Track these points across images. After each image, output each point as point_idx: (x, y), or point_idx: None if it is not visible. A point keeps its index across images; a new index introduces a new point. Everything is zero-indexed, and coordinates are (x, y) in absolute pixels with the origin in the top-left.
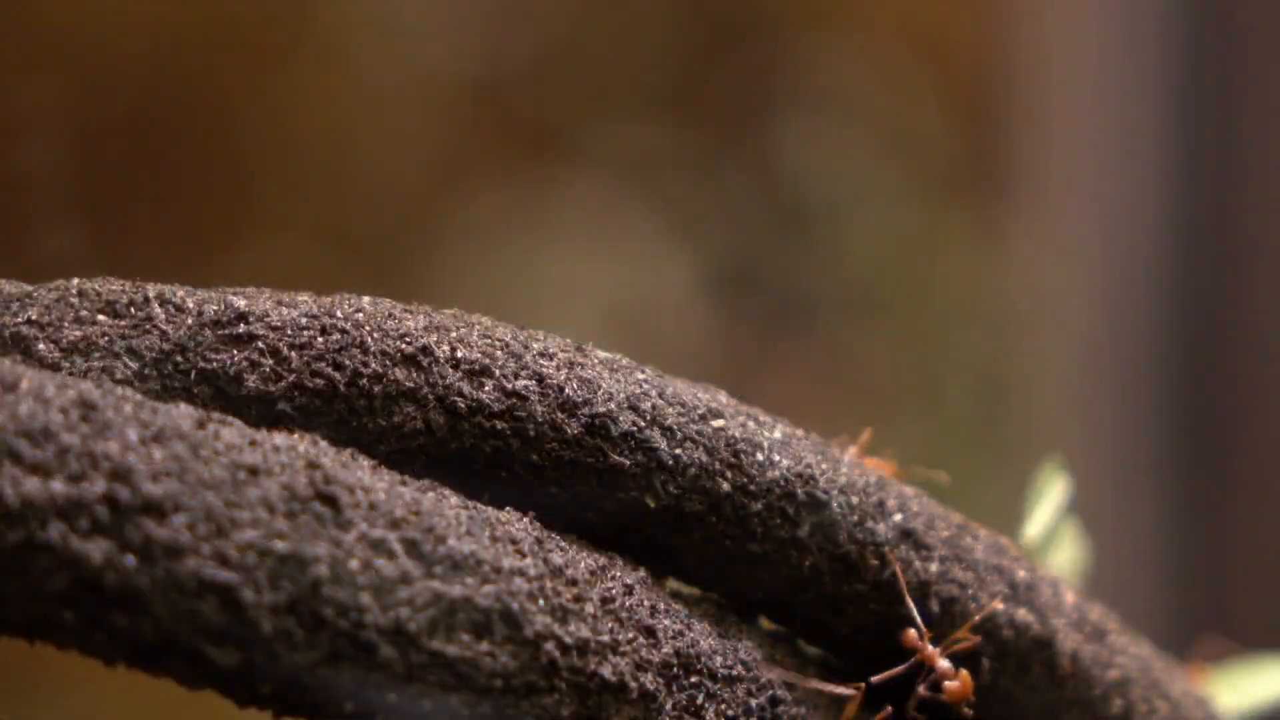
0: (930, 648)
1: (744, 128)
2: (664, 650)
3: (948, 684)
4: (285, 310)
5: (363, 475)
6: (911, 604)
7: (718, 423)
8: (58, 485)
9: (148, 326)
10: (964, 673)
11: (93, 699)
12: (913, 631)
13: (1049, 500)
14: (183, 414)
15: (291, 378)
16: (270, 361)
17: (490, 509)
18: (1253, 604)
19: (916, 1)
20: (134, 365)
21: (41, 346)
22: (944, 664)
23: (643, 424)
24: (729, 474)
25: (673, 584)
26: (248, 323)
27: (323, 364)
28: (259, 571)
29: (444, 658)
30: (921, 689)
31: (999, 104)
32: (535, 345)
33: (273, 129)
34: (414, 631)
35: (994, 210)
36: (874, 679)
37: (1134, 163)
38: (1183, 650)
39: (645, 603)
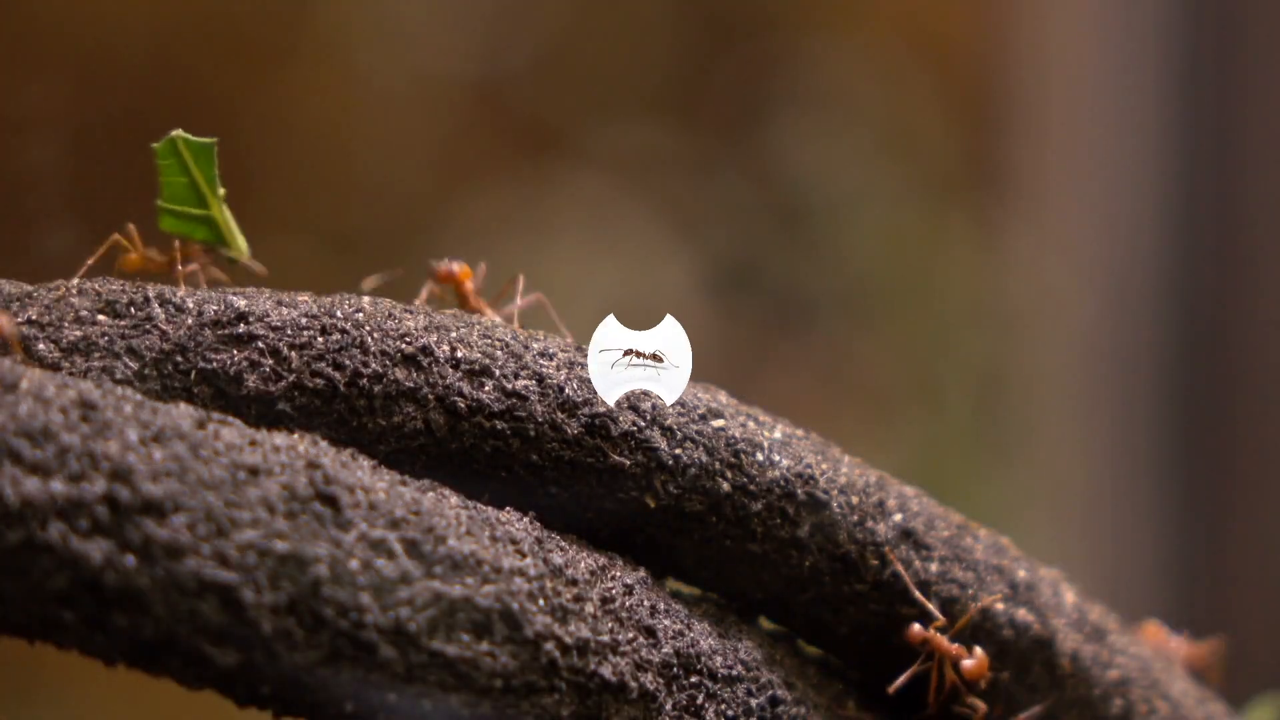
0: (939, 635)
1: (744, 128)
2: (664, 650)
3: (965, 663)
4: (285, 310)
5: (363, 475)
6: (921, 597)
7: (718, 423)
8: (58, 485)
9: (148, 326)
10: (978, 650)
11: (93, 699)
12: (917, 626)
13: None
14: (183, 414)
15: (291, 378)
16: (270, 361)
17: (490, 509)
18: (1253, 604)
19: (916, 1)
20: (134, 365)
21: (41, 346)
22: (956, 646)
23: (642, 424)
24: (728, 474)
25: (673, 584)
26: (248, 323)
27: (323, 364)
28: (259, 571)
29: (444, 658)
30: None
31: (999, 104)
32: (535, 345)
33: (273, 129)
34: (414, 631)
35: (994, 210)
36: (891, 689)
37: (1134, 162)
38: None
39: (645, 603)
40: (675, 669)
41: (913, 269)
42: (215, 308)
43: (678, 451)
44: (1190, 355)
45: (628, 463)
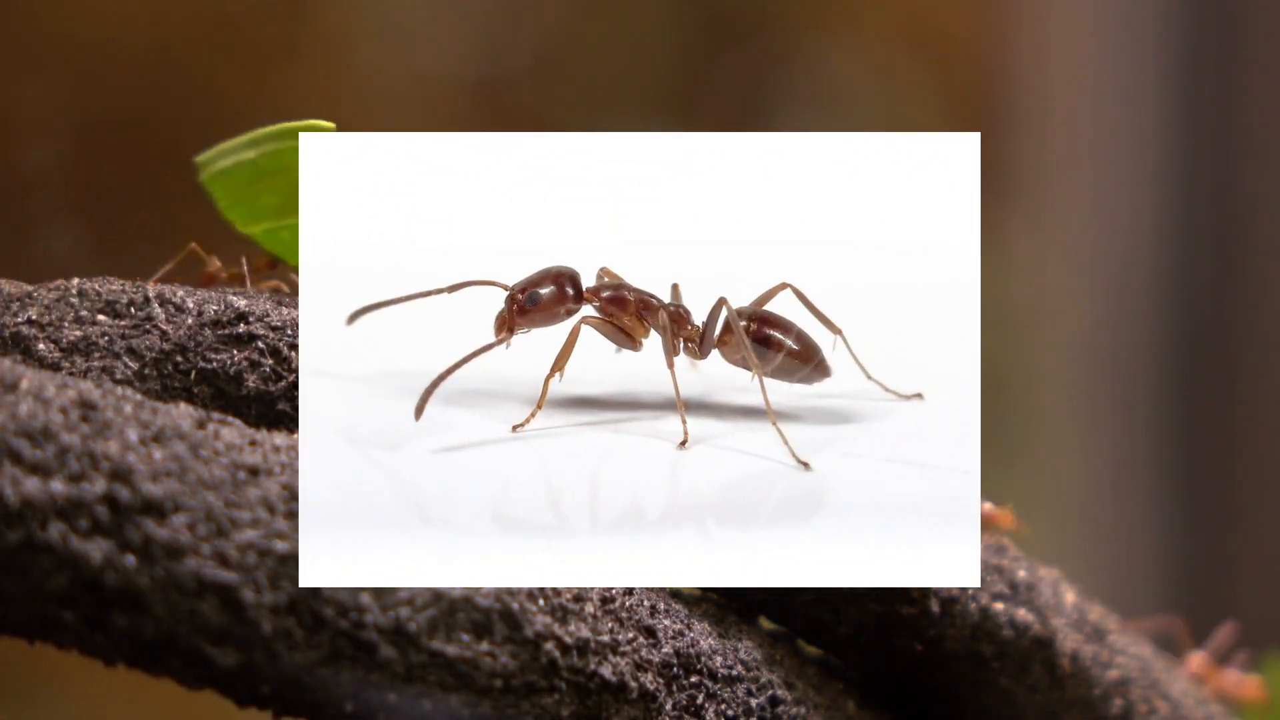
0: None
1: (744, 128)
2: (664, 650)
3: None
4: (285, 310)
5: None
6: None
7: None
8: (58, 485)
9: (148, 326)
10: None
11: (93, 699)
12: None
13: None
14: (183, 414)
15: (291, 377)
16: (270, 361)
17: None
18: (1253, 603)
19: (916, 1)
20: (134, 365)
21: (41, 346)
22: None
23: None
24: None
25: (674, 586)
26: (248, 323)
27: None
28: (259, 571)
29: (444, 658)
30: None
31: (999, 104)
32: None
33: None
34: (414, 631)
35: (994, 210)
36: None
37: (1134, 162)
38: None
39: (645, 603)
40: (675, 669)
41: None
42: (215, 308)
43: None
44: (1190, 355)
45: None
